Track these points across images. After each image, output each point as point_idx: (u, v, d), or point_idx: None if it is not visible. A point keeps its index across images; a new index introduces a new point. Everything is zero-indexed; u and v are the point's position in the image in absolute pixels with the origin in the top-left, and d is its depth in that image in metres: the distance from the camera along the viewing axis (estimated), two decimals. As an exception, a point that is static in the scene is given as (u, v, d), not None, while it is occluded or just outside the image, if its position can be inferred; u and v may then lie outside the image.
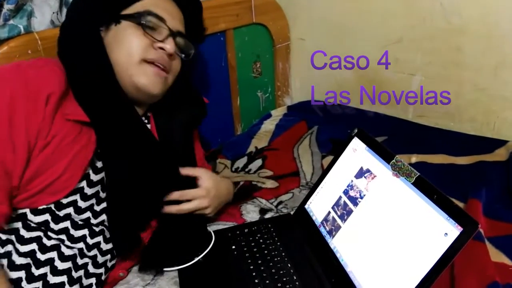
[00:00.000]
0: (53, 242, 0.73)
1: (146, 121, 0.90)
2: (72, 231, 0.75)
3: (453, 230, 0.64)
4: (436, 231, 0.66)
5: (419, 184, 0.73)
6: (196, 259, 0.86)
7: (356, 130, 0.95)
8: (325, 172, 0.97)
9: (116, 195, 0.79)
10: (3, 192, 0.66)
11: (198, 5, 0.95)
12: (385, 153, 0.83)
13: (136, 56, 0.78)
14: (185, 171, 0.88)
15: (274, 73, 1.67)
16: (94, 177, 0.78)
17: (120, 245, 0.80)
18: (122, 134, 0.78)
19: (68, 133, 0.72)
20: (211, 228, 0.96)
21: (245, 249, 0.89)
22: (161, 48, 0.80)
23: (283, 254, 0.86)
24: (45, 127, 0.69)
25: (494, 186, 1.06)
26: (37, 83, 0.69)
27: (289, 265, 0.84)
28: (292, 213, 1.02)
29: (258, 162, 1.27)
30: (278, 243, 0.89)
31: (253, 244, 0.90)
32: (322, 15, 1.57)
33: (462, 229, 0.63)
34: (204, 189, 0.87)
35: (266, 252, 0.87)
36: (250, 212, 1.03)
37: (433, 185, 0.71)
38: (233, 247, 0.89)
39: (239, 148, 1.37)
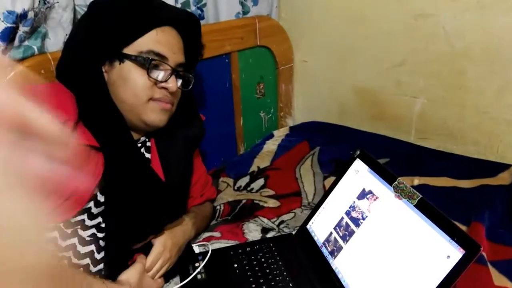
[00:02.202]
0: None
1: (146, 146, 0.90)
2: (78, 247, 0.77)
3: (456, 253, 0.63)
4: (438, 254, 0.66)
5: (421, 206, 0.73)
6: (192, 275, 0.86)
7: (358, 152, 0.95)
8: (327, 192, 0.97)
9: (113, 216, 0.80)
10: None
11: (196, 25, 0.95)
12: (387, 175, 0.83)
13: (143, 97, 0.81)
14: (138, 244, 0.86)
15: (277, 94, 1.69)
16: (101, 198, 0.79)
17: (110, 267, 0.81)
18: (125, 162, 0.81)
19: (78, 157, 0.73)
20: (214, 245, 0.96)
21: (247, 267, 0.88)
22: (164, 88, 0.82)
23: (285, 273, 0.86)
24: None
25: (497, 210, 1.06)
26: (55, 111, 0.70)
27: (290, 284, 0.83)
28: (293, 232, 1.01)
29: (260, 182, 1.27)
30: (280, 263, 0.89)
31: (255, 262, 0.89)
32: (325, 38, 1.60)
33: (464, 251, 0.63)
34: (160, 246, 0.85)
35: (268, 271, 0.87)
36: (252, 231, 1.03)
37: (435, 207, 0.70)
38: (235, 265, 0.89)
39: (242, 167, 1.37)
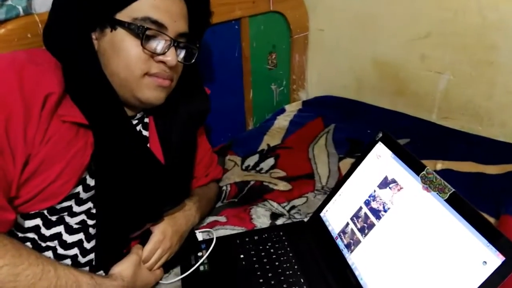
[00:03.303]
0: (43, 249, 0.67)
1: (144, 123, 0.82)
2: (65, 236, 0.70)
3: (494, 259, 0.56)
4: (473, 258, 0.58)
5: (453, 202, 0.64)
6: (195, 266, 0.80)
7: (380, 134, 0.86)
8: (344, 178, 0.89)
9: (105, 202, 0.72)
10: (5, 200, 0.60)
11: None
12: (413, 163, 0.75)
13: (137, 71, 0.70)
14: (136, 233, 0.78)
15: (290, 65, 1.58)
16: (91, 182, 0.71)
17: (101, 258, 0.74)
18: (118, 141, 0.71)
19: (64, 136, 0.65)
20: (219, 232, 0.89)
21: (254, 259, 0.81)
22: (162, 61, 0.72)
23: (296, 267, 0.79)
24: (40, 133, 0.62)
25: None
26: (34, 84, 0.62)
27: (302, 280, 0.76)
28: (305, 220, 0.94)
29: (270, 161, 1.19)
30: (290, 254, 0.82)
31: (263, 253, 0.82)
32: (343, 4, 1.47)
33: (504, 258, 0.55)
34: (160, 234, 0.77)
35: (277, 263, 0.79)
36: (261, 217, 0.95)
37: (470, 205, 0.62)
38: (241, 256, 0.82)
39: (251, 145, 1.29)
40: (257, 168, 1.17)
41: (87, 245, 0.73)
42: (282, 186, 1.07)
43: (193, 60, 0.79)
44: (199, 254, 0.83)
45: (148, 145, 0.80)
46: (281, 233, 0.88)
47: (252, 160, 1.20)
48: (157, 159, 0.78)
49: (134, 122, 0.79)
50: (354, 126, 1.34)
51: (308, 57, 1.63)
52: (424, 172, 0.72)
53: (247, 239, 0.86)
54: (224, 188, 1.07)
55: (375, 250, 0.73)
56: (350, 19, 1.48)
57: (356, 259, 0.76)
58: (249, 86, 1.43)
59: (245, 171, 1.15)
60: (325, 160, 1.19)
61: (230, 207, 1.00)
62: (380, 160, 0.83)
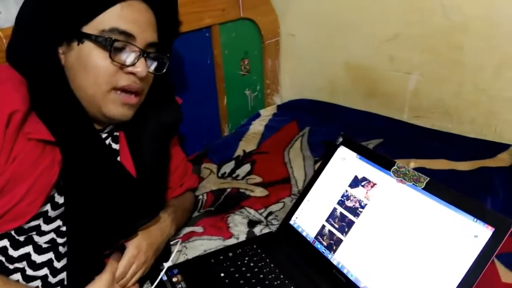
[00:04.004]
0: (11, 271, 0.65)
1: (113, 136, 0.80)
2: (34, 257, 0.67)
3: (484, 231, 0.60)
4: (463, 235, 0.62)
5: (431, 189, 0.69)
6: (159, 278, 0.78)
7: (341, 139, 0.88)
8: (309, 184, 0.89)
9: (75, 220, 0.70)
10: None
11: (171, 2, 0.83)
12: (381, 160, 0.78)
13: (105, 86, 0.69)
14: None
15: (263, 70, 1.59)
16: (59, 199, 0.69)
17: (73, 277, 0.72)
18: (87, 157, 0.70)
19: (30, 154, 0.64)
20: (195, 243, 0.88)
21: (237, 275, 0.78)
22: (132, 73, 0.70)
23: (281, 276, 0.78)
24: (6, 152, 0.61)
25: (498, 195, 1.00)
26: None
27: (292, 287, 0.76)
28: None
29: (247, 167, 1.19)
30: (272, 265, 0.80)
31: (243, 268, 0.79)
32: (313, 9, 1.49)
33: (494, 228, 0.59)
34: (134, 248, 0.74)
35: (261, 276, 0.77)
36: (238, 225, 0.95)
37: (449, 188, 0.67)
38: (222, 274, 0.78)
39: (226, 152, 1.28)
40: (233, 175, 1.16)
41: (58, 265, 0.71)
42: (259, 192, 1.07)
43: (164, 70, 0.78)
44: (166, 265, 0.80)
45: (118, 158, 0.78)
46: (254, 246, 0.86)
47: (228, 167, 1.20)
48: (128, 173, 0.76)
49: (104, 135, 0.78)
50: (329, 128, 1.35)
51: (280, 62, 1.64)
52: (395, 166, 0.76)
53: (221, 257, 0.82)
54: (200, 197, 1.06)
55: (360, 246, 0.74)
56: (320, 24, 1.49)
57: (341, 258, 0.76)
58: (223, 93, 1.43)
59: (221, 179, 1.15)
60: (301, 163, 1.20)
61: (207, 216, 0.99)
62: (346, 162, 0.85)
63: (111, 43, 0.67)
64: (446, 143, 1.23)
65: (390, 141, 1.25)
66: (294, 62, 1.63)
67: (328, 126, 1.38)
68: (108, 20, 0.68)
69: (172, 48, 0.86)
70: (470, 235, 0.61)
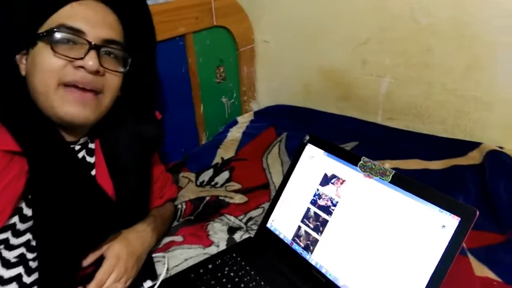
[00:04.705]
0: None
1: (88, 149, 0.79)
2: (1, 271, 0.66)
3: (451, 221, 0.62)
4: (431, 226, 0.64)
5: (397, 182, 0.70)
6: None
7: (307, 137, 0.90)
8: (281, 186, 0.90)
9: (44, 234, 0.69)
10: None
11: (138, 4, 0.82)
12: (348, 156, 0.80)
13: (52, 82, 0.67)
14: (88, 259, 0.73)
15: (238, 77, 1.60)
16: (28, 211, 0.68)
17: None
18: (54, 168, 0.68)
19: None
20: (175, 252, 0.87)
21: (218, 287, 0.77)
22: (82, 67, 0.68)
23: (262, 283, 0.78)
24: None
25: (470, 192, 1.03)
26: None
27: None
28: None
29: (225, 175, 1.19)
30: (252, 272, 0.80)
31: (224, 280, 0.79)
32: (286, 16, 1.51)
33: (459, 218, 0.61)
34: (113, 258, 0.73)
35: (243, 286, 0.77)
36: (218, 232, 0.95)
37: (413, 180, 0.68)
38: None
39: (204, 160, 1.28)
40: (212, 183, 1.16)
41: (27, 279, 0.68)
42: (238, 199, 1.07)
43: (127, 68, 0.75)
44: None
45: (93, 172, 0.77)
46: (234, 255, 0.85)
47: (206, 175, 1.20)
48: (101, 188, 0.75)
49: (77, 147, 0.76)
50: (305, 132, 1.36)
51: (256, 68, 1.65)
52: (361, 162, 0.77)
53: (201, 271, 0.81)
54: (179, 206, 1.06)
55: (335, 244, 0.75)
56: (293, 30, 1.51)
57: (318, 258, 0.77)
58: (199, 101, 1.43)
59: (199, 187, 1.15)
60: (279, 169, 1.21)
61: (187, 225, 0.98)
62: (314, 160, 0.86)
63: (54, 38, 0.66)
64: (419, 143, 1.26)
65: (365, 143, 1.27)
66: (269, 68, 1.64)
67: (304, 130, 1.38)
68: (57, 19, 0.68)
69: (154, 58, 0.86)
70: (438, 225, 0.63)
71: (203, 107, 1.45)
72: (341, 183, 0.79)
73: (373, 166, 0.75)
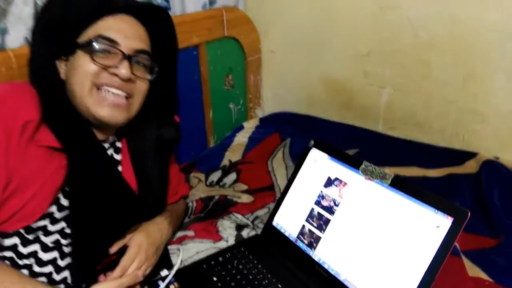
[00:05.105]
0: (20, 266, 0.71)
1: (116, 147, 0.86)
2: (41, 254, 0.73)
3: (444, 221, 0.68)
4: (427, 226, 0.69)
5: (396, 184, 0.76)
6: (168, 278, 0.83)
7: (312, 142, 0.96)
8: (286, 187, 0.96)
9: (78, 222, 0.76)
10: None
11: (161, 14, 0.88)
12: (351, 160, 0.86)
13: (87, 83, 0.74)
14: (114, 248, 0.80)
15: (245, 85, 1.67)
16: (65, 202, 0.75)
17: (76, 275, 0.77)
18: (88, 164, 0.76)
19: (39, 159, 0.70)
20: (188, 245, 0.93)
21: (228, 278, 0.83)
22: (116, 74, 0.76)
23: (269, 276, 0.84)
24: (19, 157, 0.67)
25: (466, 199, 1.09)
26: (14, 112, 0.68)
27: (279, 285, 0.81)
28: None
29: (233, 176, 1.25)
30: (259, 266, 0.86)
31: (234, 271, 0.85)
32: (292, 28, 1.58)
33: (452, 218, 0.67)
34: (135, 247, 0.80)
35: (251, 277, 0.83)
36: (227, 229, 1.01)
37: (411, 183, 0.74)
38: (214, 278, 0.84)
39: (213, 162, 1.35)
40: (221, 183, 1.23)
41: (61, 263, 0.76)
42: (245, 198, 1.14)
43: (153, 76, 0.83)
44: (165, 274, 0.85)
45: (119, 168, 0.84)
46: (242, 249, 0.91)
47: (215, 176, 1.26)
48: (127, 183, 0.83)
49: (106, 145, 0.83)
50: (308, 139, 1.42)
51: (262, 77, 1.72)
52: (363, 165, 0.83)
53: (213, 262, 0.88)
54: (191, 204, 1.12)
55: (337, 242, 0.81)
56: (298, 41, 1.58)
57: (321, 254, 0.83)
58: (209, 106, 1.50)
59: (209, 187, 1.21)
60: (284, 172, 1.27)
61: (197, 221, 1.05)
62: (318, 163, 0.92)
63: (93, 48, 0.74)
64: (418, 152, 1.32)
65: (366, 151, 1.33)
66: (274, 77, 1.71)
67: (307, 137, 1.44)
68: (95, 30, 0.76)
69: (175, 65, 0.93)
70: (433, 225, 0.69)
71: (212, 113, 1.52)
72: (344, 185, 0.84)
73: (374, 170, 0.80)
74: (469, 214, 0.66)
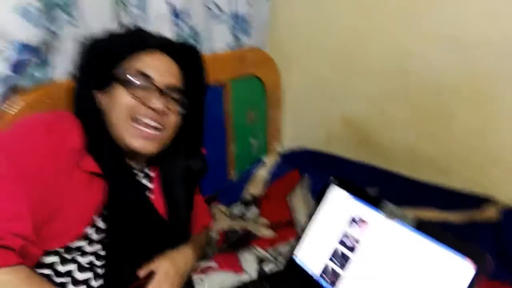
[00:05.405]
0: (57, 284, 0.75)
1: (148, 176, 0.91)
2: (76, 274, 0.77)
3: (468, 267, 0.66)
4: (449, 270, 0.68)
5: (418, 225, 0.76)
6: None
7: (333, 179, 0.98)
8: (307, 224, 0.98)
9: (113, 244, 0.81)
10: (35, 237, 0.68)
11: (193, 53, 0.95)
12: (371, 198, 0.87)
13: (125, 115, 0.80)
14: (142, 272, 0.84)
15: (266, 121, 1.72)
16: (101, 225, 0.79)
17: None
18: (124, 190, 0.81)
19: (82, 183, 0.76)
20: (212, 277, 0.96)
21: None
22: (151, 107, 0.81)
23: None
24: (65, 180, 0.73)
25: (486, 247, 1.09)
26: (61, 140, 0.74)
27: None
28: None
29: (254, 210, 1.29)
30: (282, 302, 0.88)
31: None
32: (312, 67, 1.63)
33: (476, 264, 0.66)
34: (162, 273, 0.83)
35: None
36: (249, 262, 1.03)
37: (433, 224, 0.75)
38: None
39: (234, 194, 1.38)
40: (242, 217, 1.26)
41: (94, 283, 0.79)
42: (267, 233, 1.16)
43: (183, 111, 0.88)
44: None
45: (151, 196, 0.89)
46: (265, 283, 0.94)
47: (237, 209, 1.29)
48: (157, 210, 0.87)
49: (139, 173, 0.89)
50: (327, 177, 1.45)
51: (282, 113, 1.77)
52: (383, 204, 0.84)
53: None
54: (213, 235, 1.15)
55: (358, 281, 0.82)
56: (319, 80, 1.63)
57: (342, 292, 0.83)
58: (231, 140, 1.55)
59: (231, 219, 1.24)
60: (303, 208, 1.29)
61: (220, 253, 1.08)
62: (339, 201, 0.94)
63: (130, 82, 0.81)
64: (437, 194, 1.32)
65: (385, 191, 1.34)
66: (294, 114, 1.76)
67: (327, 174, 1.48)
68: (133, 65, 0.83)
69: (204, 100, 0.98)
70: (455, 270, 0.68)
71: (233, 146, 1.57)
72: (365, 224, 0.86)
73: (395, 210, 0.83)
74: (493, 261, 0.65)
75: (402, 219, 0.80)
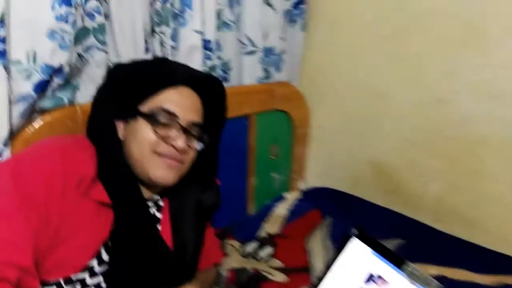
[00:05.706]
0: None
1: (158, 205, 0.89)
2: None
3: None
4: None
5: None
6: None
7: (355, 231, 0.92)
8: (323, 272, 0.90)
9: (115, 277, 0.78)
10: (34, 267, 0.66)
11: (217, 87, 0.94)
12: (395, 258, 0.81)
13: (147, 149, 0.79)
14: None
15: (291, 156, 1.68)
16: (105, 256, 0.77)
17: None
18: (133, 221, 0.79)
19: (88, 212, 0.73)
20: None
21: None
22: (173, 145, 0.81)
23: None
24: (71, 208, 0.71)
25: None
26: (74, 166, 0.72)
27: None
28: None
29: (269, 250, 1.23)
30: None
31: None
32: (343, 104, 1.60)
33: None
34: None
35: None
36: (257, 306, 0.98)
37: None
38: None
39: (250, 230, 1.34)
40: (256, 256, 1.20)
41: None
42: (279, 277, 1.11)
43: (203, 147, 0.87)
44: None
45: (159, 227, 0.86)
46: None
47: (251, 247, 1.24)
48: (166, 245, 0.84)
49: (150, 203, 0.86)
50: (350, 220, 1.39)
51: (308, 150, 1.73)
52: (407, 266, 0.78)
53: None
54: (222, 273, 1.10)
55: None
56: (348, 118, 1.60)
57: None
58: (252, 173, 1.52)
59: (243, 258, 1.19)
60: (322, 253, 1.23)
61: (228, 293, 1.03)
62: (359, 255, 0.87)
63: (155, 119, 0.80)
64: (465, 252, 1.24)
65: (412, 243, 1.27)
66: (321, 152, 1.72)
67: (350, 218, 1.42)
68: (158, 101, 0.81)
69: (221, 133, 0.97)
70: None
71: (254, 180, 1.54)
72: (385, 285, 0.81)
73: (418, 274, 0.76)
74: None
75: (425, 285, 0.73)
